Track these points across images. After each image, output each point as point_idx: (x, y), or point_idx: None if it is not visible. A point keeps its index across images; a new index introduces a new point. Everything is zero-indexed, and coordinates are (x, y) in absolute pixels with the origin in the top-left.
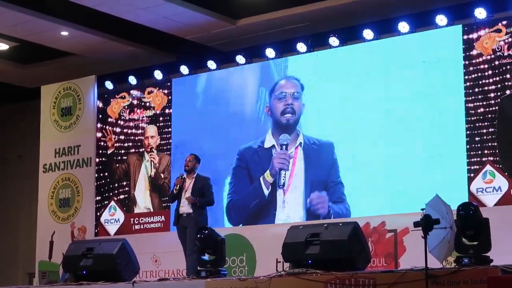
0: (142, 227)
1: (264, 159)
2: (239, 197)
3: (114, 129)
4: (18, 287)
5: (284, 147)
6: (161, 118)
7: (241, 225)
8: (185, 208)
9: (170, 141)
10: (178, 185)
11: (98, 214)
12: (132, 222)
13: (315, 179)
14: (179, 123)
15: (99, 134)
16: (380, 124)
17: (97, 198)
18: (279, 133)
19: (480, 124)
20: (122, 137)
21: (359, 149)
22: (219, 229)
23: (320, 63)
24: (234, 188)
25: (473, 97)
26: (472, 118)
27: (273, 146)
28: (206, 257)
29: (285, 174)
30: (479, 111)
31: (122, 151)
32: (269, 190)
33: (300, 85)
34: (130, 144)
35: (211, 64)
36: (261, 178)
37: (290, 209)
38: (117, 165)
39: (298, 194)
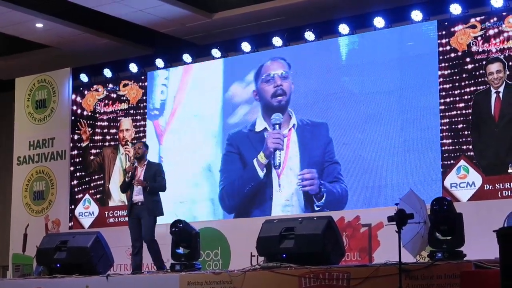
0: (116, 220)
1: (256, 142)
2: (232, 183)
3: (89, 122)
4: None
5: (277, 126)
6: (136, 111)
7: (234, 213)
8: (139, 196)
9: (145, 134)
10: (130, 173)
11: (73, 207)
12: (106, 215)
13: (311, 160)
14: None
15: (73, 127)
16: (355, 118)
17: (72, 191)
18: (270, 115)
19: (454, 119)
20: (97, 130)
21: (333, 144)
22: (194, 223)
23: (295, 57)
24: (226, 174)
25: (447, 93)
26: (447, 114)
27: (265, 128)
28: (180, 250)
29: (280, 154)
30: (453, 106)
31: (97, 144)
32: (264, 172)
33: (287, 64)
34: (105, 137)
35: (187, 58)
36: (254, 161)
37: (287, 192)
38: (92, 158)
39: (294, 177)
